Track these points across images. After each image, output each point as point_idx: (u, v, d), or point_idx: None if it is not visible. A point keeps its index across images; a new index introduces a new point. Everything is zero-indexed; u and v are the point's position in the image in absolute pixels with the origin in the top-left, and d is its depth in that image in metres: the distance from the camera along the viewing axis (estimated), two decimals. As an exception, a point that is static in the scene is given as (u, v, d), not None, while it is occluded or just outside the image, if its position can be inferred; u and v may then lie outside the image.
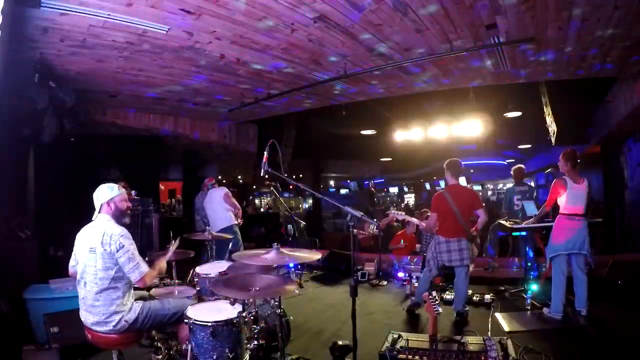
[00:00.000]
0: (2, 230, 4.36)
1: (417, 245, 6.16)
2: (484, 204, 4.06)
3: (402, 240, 6.54)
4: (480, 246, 5.88)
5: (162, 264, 2.59)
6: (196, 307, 2.50)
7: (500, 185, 21.71)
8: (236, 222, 5.61)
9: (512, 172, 5.31)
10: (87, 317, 2.31)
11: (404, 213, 6.07)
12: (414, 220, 5.36)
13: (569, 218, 3.64)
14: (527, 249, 4.74)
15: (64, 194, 6.27)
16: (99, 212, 2.42)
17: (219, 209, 5.60)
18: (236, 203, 5.71)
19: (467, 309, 3.92)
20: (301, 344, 3.38)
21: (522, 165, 5.37)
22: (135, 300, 2.44)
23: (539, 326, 3.57)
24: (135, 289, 2.52)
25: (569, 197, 3.66)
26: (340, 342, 2.90)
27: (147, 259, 2.91)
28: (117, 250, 2.26)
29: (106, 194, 2.41)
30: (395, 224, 6.88)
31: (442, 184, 5.04)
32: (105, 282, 2.26)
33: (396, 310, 4.22)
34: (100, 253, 2.26)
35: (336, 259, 6.04)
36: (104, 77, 4.45)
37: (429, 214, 4.39)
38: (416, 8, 3.11)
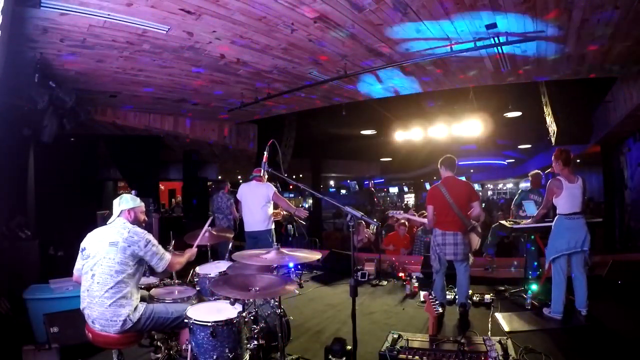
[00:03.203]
0: (2, 230, 4.36)
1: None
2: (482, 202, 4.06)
3: (391, 245, 6.54)
4: (481, 245, 5.90)
5: (192, 251, 2.87)
6: (196, 307, 2.49)
7: (500, 185, 21.77)
8: (273, 227, 4.93)
9: (529, 177, 5.33)
10: (90, 310, 2.32)
11: (402, 212, 6.06)
12: (418, 219, 5.32)
13: (568, 217, 3.64)
14: (527, 249, 4.75)
15: (64, 194, 6.28)
16: (118, 217, 2.53)
17: (260, 209, 4.80)
18: (288, 203, 4.92)
19: (470, 301, 3.95)
20: (301, 344, 3.38)
21: (540, 172, 5.34)
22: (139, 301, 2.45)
23: (539, 326, 3.56)
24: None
25: (566, 197, 3.65)
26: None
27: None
28: (145, 246, 2.41)
29: (129, 202, 2.58)
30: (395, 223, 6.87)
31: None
32: (120, 276, 2.31)
33: (396, 310, 4.22)
34: (122, 248, 2.35)
35: (336, 259, 6.04)
36: (104, 77, 4.45)
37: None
38: (416, 8, 3.11)
